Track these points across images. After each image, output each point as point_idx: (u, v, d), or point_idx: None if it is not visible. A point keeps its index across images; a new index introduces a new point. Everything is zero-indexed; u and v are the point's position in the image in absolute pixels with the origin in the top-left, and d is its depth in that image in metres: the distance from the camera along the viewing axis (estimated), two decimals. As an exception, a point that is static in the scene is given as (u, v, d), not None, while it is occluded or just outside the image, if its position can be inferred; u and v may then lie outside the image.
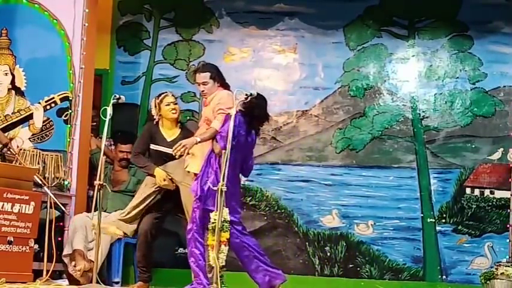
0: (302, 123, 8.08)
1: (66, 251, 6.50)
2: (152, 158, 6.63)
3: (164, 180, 6.43)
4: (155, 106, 6.64)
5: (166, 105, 6.61)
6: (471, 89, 7.92)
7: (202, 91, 6.40)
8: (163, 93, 6.73)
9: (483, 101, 7.90)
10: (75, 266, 6.35)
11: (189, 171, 6.27)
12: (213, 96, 6.30)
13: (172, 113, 6.63)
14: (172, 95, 6.72)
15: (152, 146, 6.62)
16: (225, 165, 5.66)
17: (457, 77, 7.95)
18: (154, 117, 6.67)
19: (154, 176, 6.47)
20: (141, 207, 6.49)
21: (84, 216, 6.65)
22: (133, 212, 6.48)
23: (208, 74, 6.38)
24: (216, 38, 8.24)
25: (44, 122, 7.13)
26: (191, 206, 6.12)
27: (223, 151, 5.72)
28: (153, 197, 6.51)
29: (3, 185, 5.87)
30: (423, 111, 7.95)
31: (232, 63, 8.16)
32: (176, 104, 6.69)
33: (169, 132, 6.67)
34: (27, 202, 5.98)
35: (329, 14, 8.09)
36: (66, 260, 6.51)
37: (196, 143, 6.04)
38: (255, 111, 6.07)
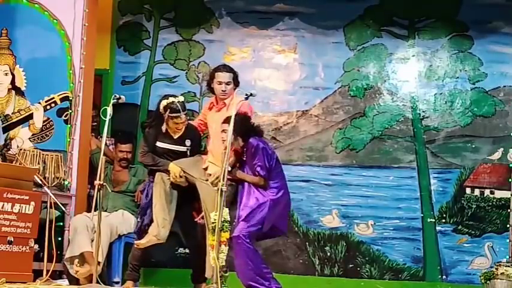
0: (302, 123, 8.07)
1: (70, 253, 6.48)
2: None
3: (180, 176, 6.29)
4: (165, 114, 6.38)
5: (175, 123, 6.41)
6: (471, 89, 7.92)
7: (224, 91, 6.35)
8: (177, 110, 6.34)
9: (483, 101, 7.90)
10: (80, 266, 6.33)
11: (210, 174, 6.27)
12: (230, 102, 6.29)
13: (176, 129, 6.47)
14: (185, 114, 6.42)
15: (160, 144, 6.46)
16: (225, 164, 5.67)
17: (457, 77, 7.95)
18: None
19: (167, 173, 6.34)
20: (169, 215, 6.32)
21: (84, 216, 6.64)
22: (166, 224, 6.29)
23: (231, 75, 6.40)
24: (216, 38, 8.24)
25: (44, 122, 7.12)
26: (210, 202, 6.03)
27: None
28: (172, 195, 6.36)
29: (3, 185, 5.86)
30: (423, 111, 7.95)
31: (232, 63, 8.11)
32: (183, 123, 6.44)
33: (175, 131, 6.53)
34: (27, 202, 5.98)
35: (329, 14, 8.09)
36: (67, 262, 6.49)
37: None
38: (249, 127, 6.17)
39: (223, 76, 6.39)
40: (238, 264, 5.96)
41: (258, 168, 6.05)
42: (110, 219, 6.75)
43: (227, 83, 6.37)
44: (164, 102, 6.38)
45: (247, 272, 5.95)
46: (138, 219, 6.48)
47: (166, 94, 6.56)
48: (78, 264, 6.37)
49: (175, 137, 6.48)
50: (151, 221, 6.31)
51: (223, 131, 6.07)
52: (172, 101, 6.36)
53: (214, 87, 6.44)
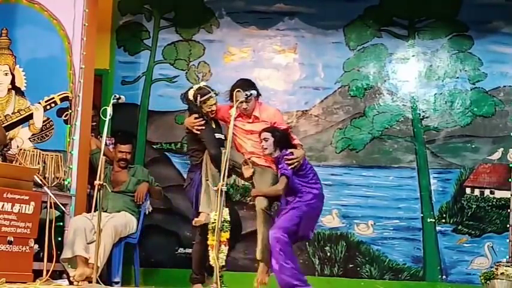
0: (302, 123, 8.07)
1: (66, 254, 6.48)
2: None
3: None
4: (195, 101, 6.34)
5: (209, 106, 6.37)
6: (471, 89, 7.93)
7: (245, 108, 6.35)
8: (207, 91, 6.37)
9: (483, 101, 7.91)
10: (74, 272, 6.34)
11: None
12: (259, 113, 6.34)
13: (211, 113, 6.42)
14: (215, 94, 6.42)
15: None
16: (225, 164, 5.67)
17: (457, 77, 7.96)
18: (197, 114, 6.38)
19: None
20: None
21: (83, 217, 6.63)
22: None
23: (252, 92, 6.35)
24: (216, 38, 8.24)
25: (44, 122, 7.12)
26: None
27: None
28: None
29: (3, 185, 5.86)
30: (423, 111, 7.95)
31: (232, 63, 8.16)
32: (216, 104, 6.42)
33: (210, 117, 6.47)
34: (27, 202, 5.97)
35: (329, 14, 8.09)
36: (64, 264, 6.50)
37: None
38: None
39: (242, 95, 6.30)
40: (278, 264, 6.00)
41: (282, 170, 6.14)
42: (114, 222, 6.72)
43: (247, 101, 6.37)
44: (191, 92, 6.39)
45: (288, 271, 5.99)
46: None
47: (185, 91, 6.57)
48: (70, 267, 6.41)
49: (214, 126, 6.48)
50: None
51: (264, 139, 6.21)
52: (199, 87, 6.39)
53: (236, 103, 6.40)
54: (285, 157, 6.14)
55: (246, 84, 6.43)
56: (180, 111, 8.14)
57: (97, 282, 5.75)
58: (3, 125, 7.00)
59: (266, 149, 6.23)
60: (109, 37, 8.27)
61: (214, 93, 6.43)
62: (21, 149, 6.86)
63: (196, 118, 6.35)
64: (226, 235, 5.69)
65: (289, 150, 6.21)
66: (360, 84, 8.04)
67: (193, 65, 8.22)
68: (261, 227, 6.15)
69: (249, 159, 6.37)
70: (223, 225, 5.64)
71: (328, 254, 7.85)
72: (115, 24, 8.33)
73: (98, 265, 5.84)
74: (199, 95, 6.36)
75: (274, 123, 6.37)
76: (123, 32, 8.33)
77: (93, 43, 7.31)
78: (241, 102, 6.24)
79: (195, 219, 6.31)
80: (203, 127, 6.34)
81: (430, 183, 7.84)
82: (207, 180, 6.24)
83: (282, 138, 6.26)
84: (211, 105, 6.40)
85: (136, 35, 8.31)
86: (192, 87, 6.49)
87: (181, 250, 7.87)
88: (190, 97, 6.40)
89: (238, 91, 6.30)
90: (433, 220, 7.79)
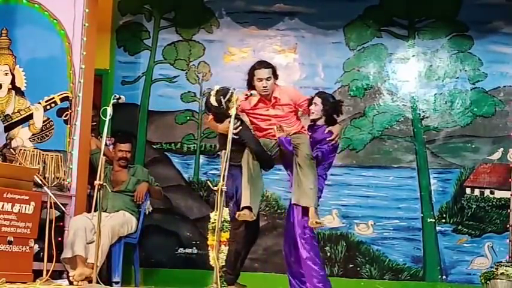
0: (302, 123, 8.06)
1: (66, 254, 6.48)
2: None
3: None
4: (220, 104, 6.17)
5: (234, 102, 6.09)
6: (471, 89, 7.93)
7: (265, 87, 6.29)
8: (227, 90, 6.19)
9: (483, 101, 7.91)
10: (73, 272, 6.34)
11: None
12: (278, 94, 6.31)
13: (238, 110, 6.22)
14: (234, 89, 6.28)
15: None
16: (225, 164, 5.67)
17: (457, 77, 7.96)
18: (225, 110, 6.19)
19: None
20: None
21: (83, 217, 6.63)
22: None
23: (270, 70, 6.34)
24: (216, 38, 8.24)
25: (44, 122, 7.12)
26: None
27: None
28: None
29: (3, 185, 5.86)
30: (423, 111, 7.95)
31: (232, 63, 8.16)
32: (239, 99, 6.18)
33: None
34: (27, 202, 5.98)
35: (329, 14, 8.09)
36: (66, 264, 6.50)
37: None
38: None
39: (262, 73, 6.31)
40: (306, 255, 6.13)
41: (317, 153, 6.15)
42: (111, 221, 6.73)
43: (267, 79, 6.31)
44: (212, 99, 6.21)
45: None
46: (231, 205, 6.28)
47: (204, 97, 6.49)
48: (70, 267, 6.41)
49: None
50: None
51: (314, 103, 6.24)
52: (216, 90, 6.23)
53: (255, 85, 6.34)
54: (327, 139, 6.12)
55: (264, 64, 6.41)
56: (180, 111, 8.16)
57: (97, 282, 5.75)
58: (3, 125, 7.02)
59: (313, 113, 6.20)
60: (109, 37, 8.28)
61: (233, 89, 6.28)
62: (21, 149, 6.86)
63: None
64: (226, 235, 5.67)
65: (328, 129, 6.17)
66: (360, 84, 8.04)
67: (193, 65, 8.22)
68: (306, 174, 6.13)
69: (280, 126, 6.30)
70: (223, 225, 5.63)
71: (328, 254, 7.84)
72: (115, 24, 8.33)
73: (97, 265, 5.85)
74: (222, 97, 6.17)
75: (299, 103, 6.34)
76: (123, 32, 8.33)
77: (93, 43, 7.31)
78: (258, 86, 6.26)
79: (238, 212, 6.12)
80: (240, 127, 6.22)
81: (430, 183, 7.85)
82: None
83: (332, 109, 6.22)
84: (236, 100, 6.15)
85: (136, 35, 8.32)
86: (209, 95, 6.25)
87: (181, 250, 7.87)
88: (214, 103, 6.19)
89: (260, 68, 6.30)
90: (433, 220, 7.79)
